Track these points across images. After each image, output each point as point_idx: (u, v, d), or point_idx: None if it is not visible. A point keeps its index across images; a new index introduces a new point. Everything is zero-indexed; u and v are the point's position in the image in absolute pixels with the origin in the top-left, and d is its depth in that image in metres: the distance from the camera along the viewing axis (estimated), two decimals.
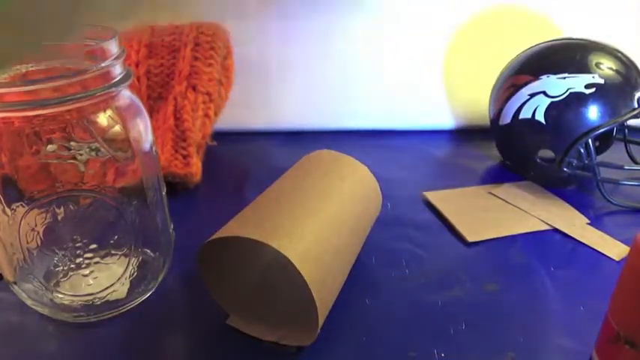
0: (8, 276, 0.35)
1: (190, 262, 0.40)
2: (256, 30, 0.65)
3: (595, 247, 0.44)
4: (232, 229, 0.31)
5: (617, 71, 0.49)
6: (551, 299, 0.38)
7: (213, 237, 0.31)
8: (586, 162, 0.50)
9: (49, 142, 0.30)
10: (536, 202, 0.52)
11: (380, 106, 0.70)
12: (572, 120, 0.50)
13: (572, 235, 0.46)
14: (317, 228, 0.32)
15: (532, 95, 0.52)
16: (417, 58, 0.67)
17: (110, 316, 0.36)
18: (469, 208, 0.51)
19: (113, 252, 0.35)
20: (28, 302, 0.35)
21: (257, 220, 0.31)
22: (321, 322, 0.31)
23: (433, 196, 0.53)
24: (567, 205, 0.51)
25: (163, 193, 0.38)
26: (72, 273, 0.35)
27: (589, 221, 0.48)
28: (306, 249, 0.30)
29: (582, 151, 0.50)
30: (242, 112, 0.67)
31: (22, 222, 0.32)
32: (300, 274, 0.28)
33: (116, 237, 0.35)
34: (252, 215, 0.32)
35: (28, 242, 0.33)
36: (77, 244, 0.34)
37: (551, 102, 0.50)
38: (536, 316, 0.37)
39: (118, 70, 0.32)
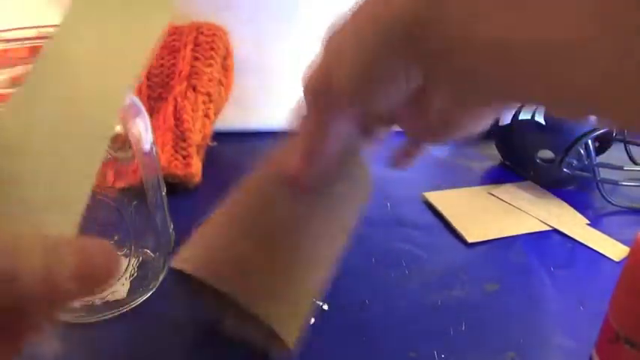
0: None
1: None
2: (256, 30, 0.65)
3: (595, 248, 0.44)
4: (197, 266, 0.27)
5: None
6: (551, 299, 0.38)
7: (181, 267, 0.28)
8: (586, 162, 0.50)
9: None
10: (536, 202, 0.52)
11: None
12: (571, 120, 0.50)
13: (571, 236, 0.46)
14: (294, 274, 0.28)
15: None
16: None
17: (110, 316, 0.36)
18: (469, 208, 0.51)
19: None
20: None
21: (225, 259, 0.28)
22: (295, 340, 0.28)
23: (433, 197, 0.53)
24: (567, 205, 0.51)
25: (163, 194, 0.38)
26: None
27: (589, 221, 0.48)
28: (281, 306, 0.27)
29: (582, 151, 0.50)
30: (242, 112, 0.67)
31: None
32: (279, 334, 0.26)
33: (116, 237, 0.35)
34: (218, 244, 0.29)
35: None
36: None
37: None
38: (536, 316, 0.37)
39: None
